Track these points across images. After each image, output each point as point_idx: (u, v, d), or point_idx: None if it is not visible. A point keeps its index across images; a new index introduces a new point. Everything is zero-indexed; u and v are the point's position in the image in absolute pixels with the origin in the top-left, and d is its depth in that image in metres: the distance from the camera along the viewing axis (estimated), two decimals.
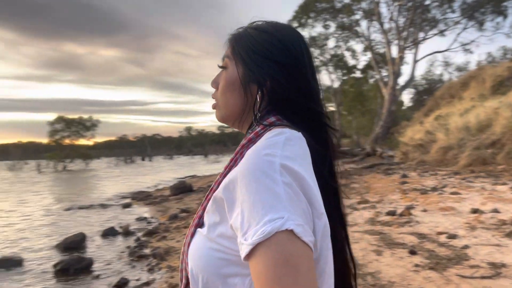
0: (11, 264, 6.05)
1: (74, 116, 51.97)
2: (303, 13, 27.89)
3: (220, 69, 0.82)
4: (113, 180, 24.42)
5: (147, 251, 6.27)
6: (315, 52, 30.26)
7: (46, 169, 45.57)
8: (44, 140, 53.87)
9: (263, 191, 0.55)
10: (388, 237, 5.01)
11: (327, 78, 31.52)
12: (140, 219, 9.38)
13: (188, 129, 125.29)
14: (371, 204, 7.20)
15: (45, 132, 51.30)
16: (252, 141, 0.70)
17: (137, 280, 5.00)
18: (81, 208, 12.12)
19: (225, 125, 0.84)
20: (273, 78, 0.72)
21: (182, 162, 53.29)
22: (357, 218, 6.42)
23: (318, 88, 0.78)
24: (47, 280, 5.40)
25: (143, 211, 10.80)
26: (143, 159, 68.40)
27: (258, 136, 0.70)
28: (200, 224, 0.69)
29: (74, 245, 6.97)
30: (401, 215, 6.08)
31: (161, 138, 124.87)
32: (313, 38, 29.24)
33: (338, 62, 30.74)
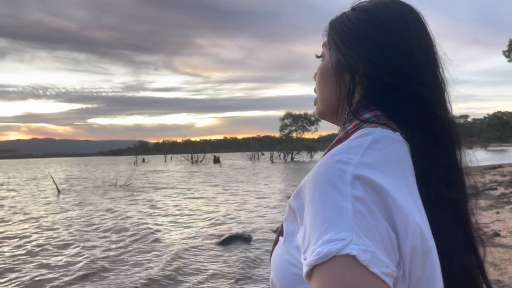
0: (242, 239, 7.41)
1: (300, 112, 56.38)
2: None
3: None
4: None
5: None
6: None
7: (277, 159, 51.54)
8: (276, 134, 61.03)
9: (327, 205, 0.47)
10: None
11: None
12: None
13: None
14: None
15: (277, 127, 57.99)
16: (340, 141, 0.60)
17: None
18: None
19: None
20: (366, 60, 0.61)
21: None
22: None
23: (434, 72, 0.63)
24: (265, 258, 6.35)
25: None
26: None
27: (348, 135, 0.61)
28: (282, 232, 0.62)
29: None
30: None
31: None
32: None
33: None
